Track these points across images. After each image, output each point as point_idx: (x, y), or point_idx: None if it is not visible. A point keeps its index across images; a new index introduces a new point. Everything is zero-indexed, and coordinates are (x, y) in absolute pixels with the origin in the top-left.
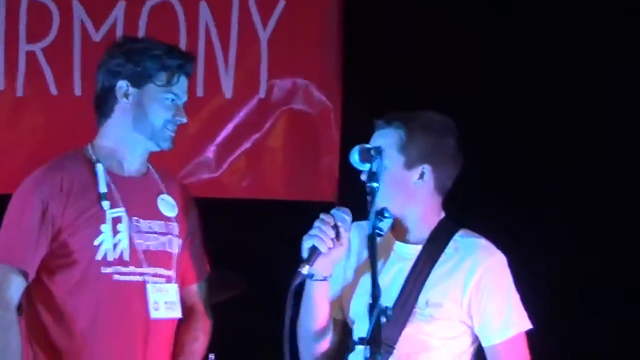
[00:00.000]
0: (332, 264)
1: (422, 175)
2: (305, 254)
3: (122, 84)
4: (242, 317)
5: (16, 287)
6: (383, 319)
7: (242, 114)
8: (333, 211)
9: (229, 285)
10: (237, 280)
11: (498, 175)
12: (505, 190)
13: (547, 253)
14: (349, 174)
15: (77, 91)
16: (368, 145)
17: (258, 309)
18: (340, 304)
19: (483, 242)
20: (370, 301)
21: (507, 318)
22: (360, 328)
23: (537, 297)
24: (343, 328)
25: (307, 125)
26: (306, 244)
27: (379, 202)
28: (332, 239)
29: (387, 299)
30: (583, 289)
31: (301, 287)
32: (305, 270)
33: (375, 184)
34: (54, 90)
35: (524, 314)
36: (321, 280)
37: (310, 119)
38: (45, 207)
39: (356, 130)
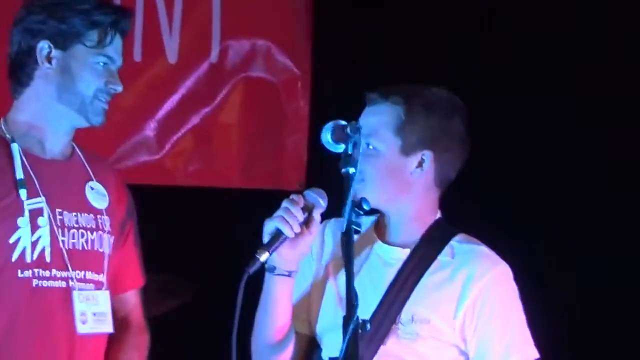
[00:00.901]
0: (299, 256)
1: (421, 164)
2: (266, 238)
3: (43, 45)
4: (186, 330)
5: None
6: (360, 335)
7: (189, 83)
8: (306, 192)
9: (172, 292)
10: (182, 287)
11: (502, 172)
12: (510, 189)
13: (563, 268)
14: (318, 157)
15: None
16: (343, 122)
17: (205, 320)
18: (305, 314)
19: (484, 249)
20: (345, 313)
21: (509, 344)
22: (330, 345)
23: (548, 320)
24: (307, 345)
25: (268, 96)
26: (268, 226)
27: (361, 193)
28: (300, 224)
29: (365, 311)
30: (605, 311)
31: (256, 284)
32: (263, 257)
33: (351, 169)
34: None
35: (529, 340)
36: (284, 275)
37: (272, 88)
38: None
39: (328, 103)
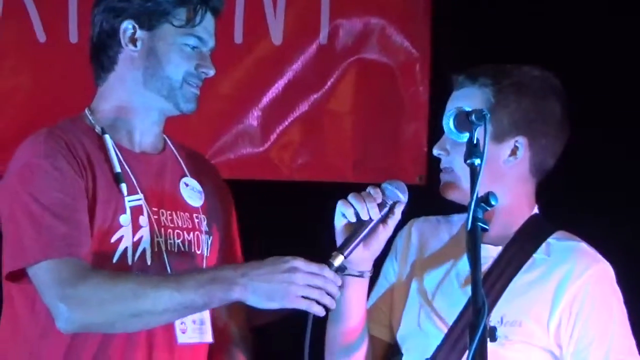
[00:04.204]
0: (371, 255)
1: (514, 151)
2: (339, 237)
3: (127, 26)
4: (293, 342)
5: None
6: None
7: (295, 66)
8: (384, 185)
9: None
10: None
11: (609, 166)
12: (618, 185)
13: None
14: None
15: (73, 37)
16: (467, 108)
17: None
18: (386, 318)
19: (584, 246)
20: (472, 318)
21: (609, 351)
22: (413, 351)
23: None
24: (385, 352)
25: (383, 80)
26: (340, 221)
27: (455, 186)
28: (377, 222)
29: (451, 312)
30: None
31: None
32: (337, 261)
33: (477, 161)
34: (41, 36)
35: (634, 349)
36: (356, 276)
37: (388, 72)
38: (65, 172)
39: (448, 88)
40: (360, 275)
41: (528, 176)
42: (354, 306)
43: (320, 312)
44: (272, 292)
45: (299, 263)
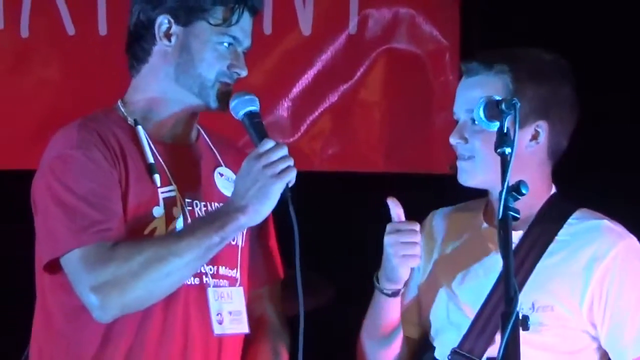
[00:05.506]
0: (404, 276)
1: (535, 136)
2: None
3: (162, 20)
4: (325, 332)
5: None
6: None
7: (325, 57)
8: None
9: (312, 291)
10: (323, 285)
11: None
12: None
13: None
14: None
15: (102, 30)
16: (497, 97)
17: (345, 321)
18: (416, 317)
19: (608, 223)
20: (504, 308)
21: None
22: (444, 344)
23: None
24: (416, 347)
25: (413, 70)
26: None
27: (470, 171)
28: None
29: (476, 300)
30: None
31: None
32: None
33: (507, 150)
34: (70, 29)
35: None
36: (388, 295)
37: (417, 61)
38: (99, 162)
39: None
40: (394, 295)
41: (546, 159)
42: (390, 317)
43: (293, 176)
44: (264, 194)
45: (252, 158)
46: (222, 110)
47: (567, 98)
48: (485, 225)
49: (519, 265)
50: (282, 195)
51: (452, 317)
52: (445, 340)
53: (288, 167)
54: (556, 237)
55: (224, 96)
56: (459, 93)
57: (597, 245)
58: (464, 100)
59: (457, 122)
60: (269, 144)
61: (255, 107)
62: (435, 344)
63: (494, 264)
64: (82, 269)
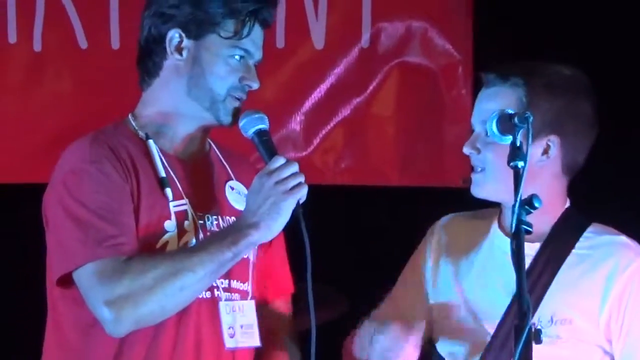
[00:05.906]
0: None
1: (547, 150)
2: None
3: (173, 35)
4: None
5: None
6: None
7: (338, 70)
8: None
9: (324, 304)
10: (335, 298)
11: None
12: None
13: None
14: None
15: (115, 43)
16: (510, 111)
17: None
18: (426, 334)
19: (625, 239)
20: (516, 320)
21: None
22: (458, 357)
23: None
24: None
25: (426, 84)
26: None
27: (481, 183)
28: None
29: (494, 314)
30: None
31: None
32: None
33: (520, 163)
34: (83, 42)
35: None
36: None
37: (430, 75)
38: (111, 176)
39: None
40: None
41: (560, 174)
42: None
43: (305, 192)
44: (276, 211)
45: (263, 175)
46: (230, 125)
47: (583, 113)
48: (500, 234)
49: (537, 278)
50: (294, 212)
51: (465, 329)
52: (457, 351)
53: (299, 184)
54: (573, 251)
55: (235, 111)
56: (477, 104)
57: (616, 260)
58: (480, 112)
59: (473, 132)
60: (279, 160)
61: (264, 125)
62: (445, 353)
63: (509, 275)
64: (95, 282)
